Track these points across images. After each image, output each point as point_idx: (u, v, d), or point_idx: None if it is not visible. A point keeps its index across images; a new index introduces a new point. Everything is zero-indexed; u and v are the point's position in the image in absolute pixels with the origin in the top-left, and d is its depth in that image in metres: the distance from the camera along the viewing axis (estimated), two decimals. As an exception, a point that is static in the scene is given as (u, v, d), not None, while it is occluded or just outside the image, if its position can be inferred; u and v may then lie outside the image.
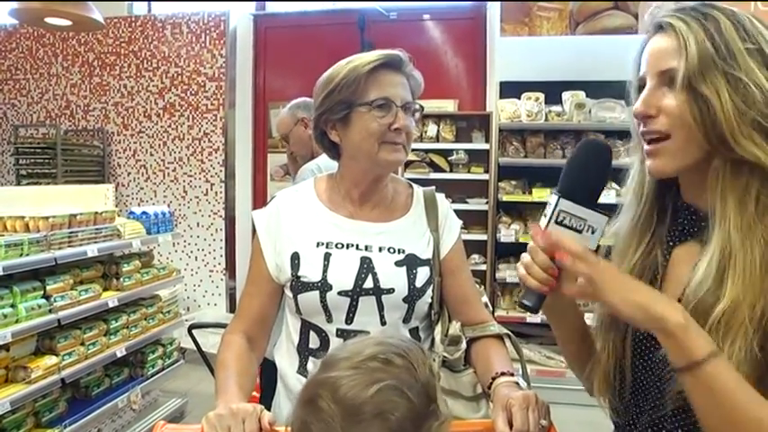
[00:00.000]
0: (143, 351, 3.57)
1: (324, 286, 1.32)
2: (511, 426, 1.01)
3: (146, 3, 5.79)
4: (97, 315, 3.15)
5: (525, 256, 0.98)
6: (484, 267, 4.42)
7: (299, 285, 1.35)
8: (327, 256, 1.35)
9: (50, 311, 2.79)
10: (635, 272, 1.02)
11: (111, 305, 3.15)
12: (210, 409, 1.07)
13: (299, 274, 1.35)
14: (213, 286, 5.39)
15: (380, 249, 1.37)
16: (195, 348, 3.39)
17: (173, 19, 5.42)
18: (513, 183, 4.40)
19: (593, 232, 0.96)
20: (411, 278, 1.35)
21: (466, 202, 4.49)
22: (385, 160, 1.34)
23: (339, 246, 1.36)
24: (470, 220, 4.53)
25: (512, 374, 1.20)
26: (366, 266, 1.34)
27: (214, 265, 5.39)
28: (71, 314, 2.87)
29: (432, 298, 1.38)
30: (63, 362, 2.86)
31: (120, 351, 3.22)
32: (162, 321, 3.64)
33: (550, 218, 0.95)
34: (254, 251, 1.42)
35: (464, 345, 1.38)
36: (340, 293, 1.32)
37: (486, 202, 4.45)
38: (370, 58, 1.33)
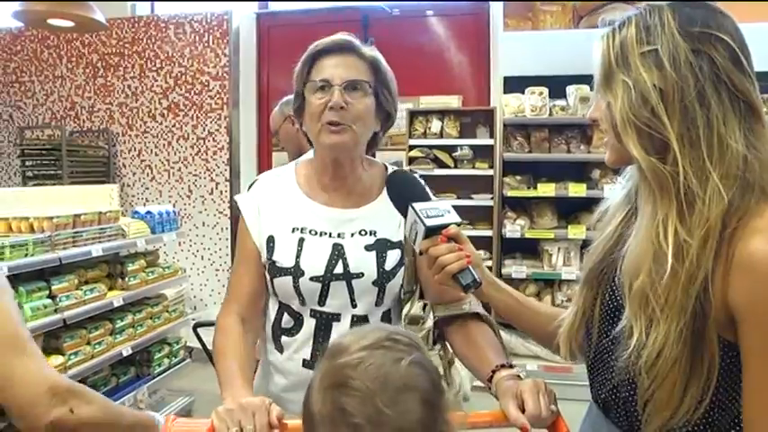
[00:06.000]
0: (149, 350, 3.57)
1: (296, 272, 1.36)
2: (523, 411, 1.06)
3: (149, 3, 5.80)
4: (103, 314, 3.15)
5: (434, 263, 1.16)
6: (489, 263, 4.40)
7: (274, 269, 1.38)
8: (301, 242, 1.38)
9: (56, 311, 2.80)
10: (613, 237, 1.12)
11: (116, 304, 3.16)
12: (217, 407, 1.08)
13: (274, 258, 1.38)
14: (219, 285, 5.39)
15: (352, 235, 1.39)
16: (201, 347, 3.39)
17: (175, 19, 5.42)
18: (518, 178, 4.38)
19: (449, 212, 1.19)
20: (380, 262, 1.37)
21: (471, 198, 4.47)
22: (324, 143, 1.34)
23: (313, 232, 1.39)
24: (475, 215, 4.52)
25: (511, 366, 1.21)
26: (337, 252, 1.37)
27: (220, 264, 5.40)
28: (77, 314, 2.88)
29: (403, 279, 1.40)
30: (69, 361, 2.87)
31: (126, 350, 3.22)
32: (168, 320, 3.65)
33: (421, 219, 1.15)
34: (241, 232, 1.44)
35: (429, 324, 1.41)
36: (312, 279, 1.36)
37: (491, 198, 4.43)
38: (310, 47, 1.38)
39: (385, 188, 1.44)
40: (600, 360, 1.11)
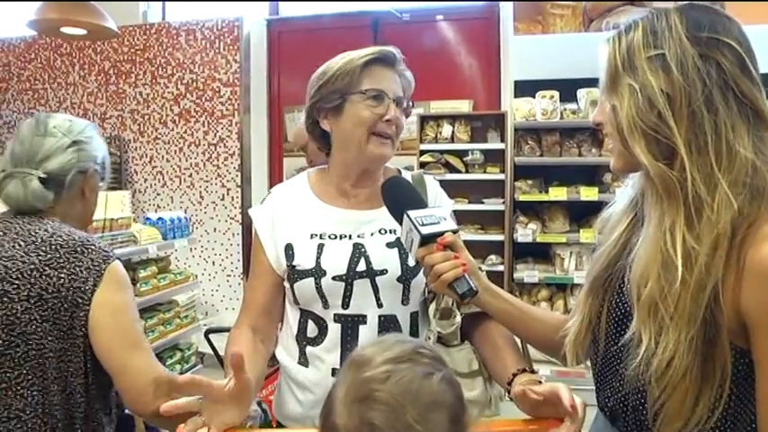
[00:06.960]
0: (161, 356, 3.57)
1: (318, 272, 1.35)
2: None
3: (159, 9, 5.83)
4: (115, 321, 3.15)
5: (430, 272, 1.13)
6: (501, 268, 4.38)
7: (294, 274, 1.37)
8: (321, 247, 1.37)
9: (69, 318, 2.80)
10: (618, 244, 1.10)
11: (128, 310, 3.16)
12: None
13: (294, 263, 1.37)
14: (231, 291, 5.40)
15: (372, 234, 1.38)
16: (213, 353, 3.40)
17: (186, 26, 5.45)
18: (530, 182, 4.35)
19: (445, 219, 1.17)
20: (403, 258, 1.36)
21: (482, 203, 4.45)
22: (372, 153, 1.36)
23: (332, 237, 1.39)
24: (487, 220, 4.50)
25: (532, 371, 1.20)
26: (359, 252, 1.37)
27: (231, 270, 5.41)
28: (89, 320, 2.88)
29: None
30: (82, 368, 2.87)
31: (138, 356, 3.22)
32: (179, 326, 3.65)
33: (416, 227, 1.12)
34: (255, 246, 1.45)
35: (458, 319, 1.38)
36: (334, 278, 1.35)
37: (503, 203, 4.41)
38: (365, 51, 1.37)
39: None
40: (607, 368, 1.10)
